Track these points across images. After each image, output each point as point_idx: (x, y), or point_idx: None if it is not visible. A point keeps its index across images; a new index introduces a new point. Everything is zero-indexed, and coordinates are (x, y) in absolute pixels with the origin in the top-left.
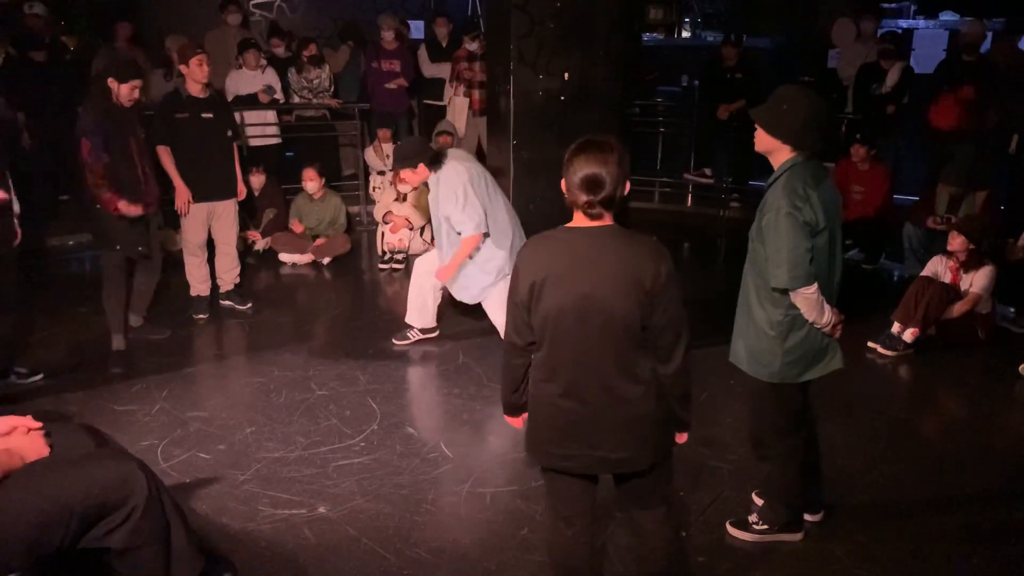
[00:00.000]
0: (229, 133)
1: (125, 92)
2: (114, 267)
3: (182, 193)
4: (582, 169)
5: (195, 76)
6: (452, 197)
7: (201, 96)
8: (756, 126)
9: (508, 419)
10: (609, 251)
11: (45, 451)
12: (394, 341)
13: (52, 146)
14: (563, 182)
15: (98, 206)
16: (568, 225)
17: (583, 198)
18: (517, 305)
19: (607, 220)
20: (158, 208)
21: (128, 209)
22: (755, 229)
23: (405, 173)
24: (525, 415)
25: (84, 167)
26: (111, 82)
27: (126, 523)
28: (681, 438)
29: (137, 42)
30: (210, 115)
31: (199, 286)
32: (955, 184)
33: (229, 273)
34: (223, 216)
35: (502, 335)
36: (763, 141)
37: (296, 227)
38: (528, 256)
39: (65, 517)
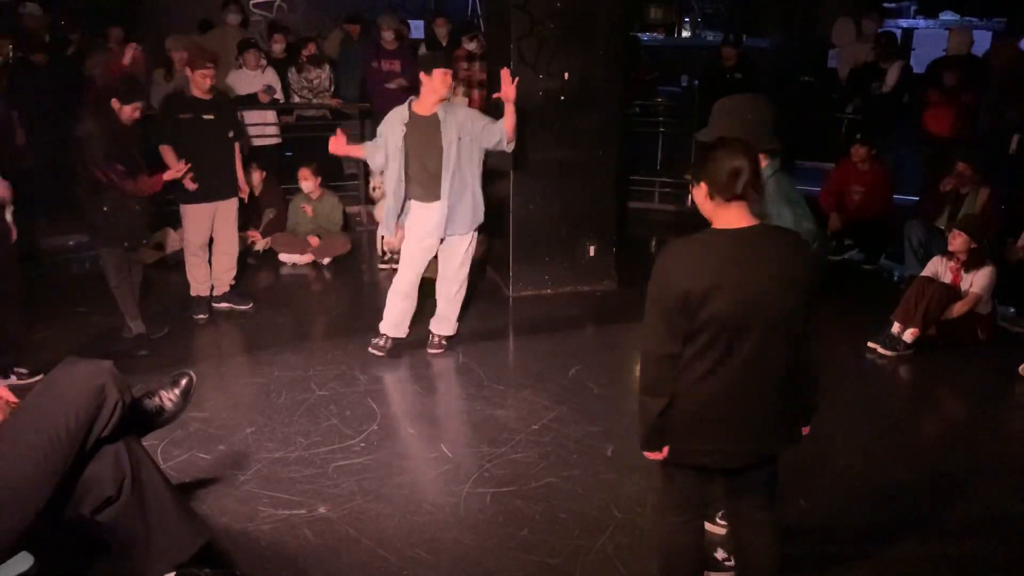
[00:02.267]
0: (231, 134)
1: (127, 112)
2: (116, 259)
3: (180, 170)
4: (728, 160)
5: (198, 84)
6: (478, 115)
7: (204, 98)
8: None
9: (650, 454)
10: (770, 253)
11: (11, 398)
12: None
13: (50, 146)
14: (701, 187)
15: (105, 208)
16: (719, 228)
17: (740, 183)
18: (671, 312)
19: (754, 217)
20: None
21: (170, 174)
22: None
23: (447, 74)
24: (666, 449)
25: (112, 185)
26: (114, 103)
27: (112, 418)
28: (805, 429)
29: (131, 41)
30: (212, 116)
31: (200, 286)
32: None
33: (227, 274)
34: (224, 216)
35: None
36: None
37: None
38: (682, 261)
39: (58, 443)
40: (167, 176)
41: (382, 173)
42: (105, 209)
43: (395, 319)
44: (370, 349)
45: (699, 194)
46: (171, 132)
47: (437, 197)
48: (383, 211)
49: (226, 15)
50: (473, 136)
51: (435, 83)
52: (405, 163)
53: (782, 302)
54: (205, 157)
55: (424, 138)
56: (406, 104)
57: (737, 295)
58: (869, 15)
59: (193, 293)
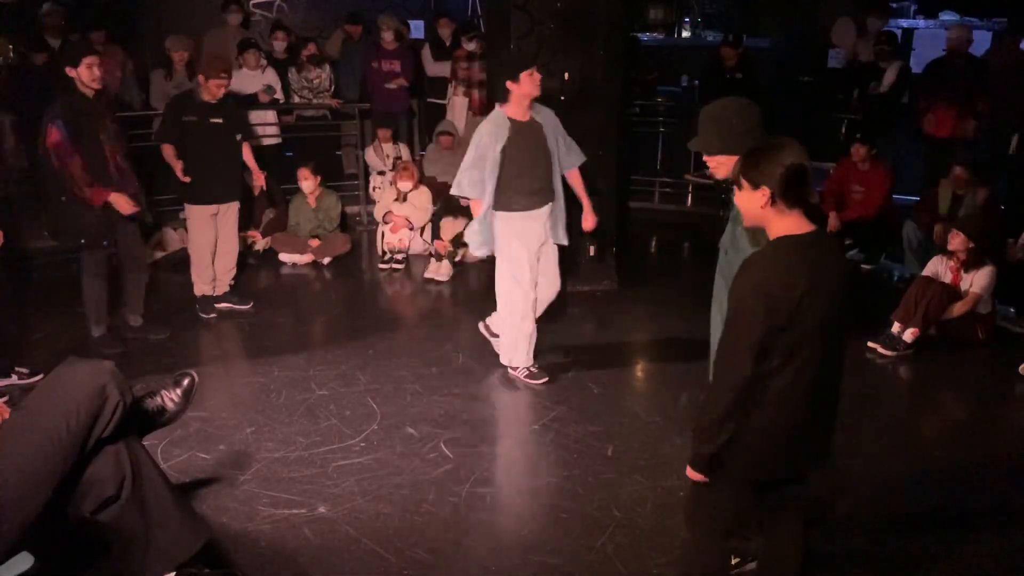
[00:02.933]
0: (239, 137)
1: (85, 73)
2: (96, 263)
3: (125, 208)
4: (791, 161)
5: (211, 92)
6: (562, 129)
7: (212, 101)
8: (709, 157)
9: (697, 474)
10: (833, 257)
11: (5, 412)
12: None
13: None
14: (762, 192)
15: (63, 198)
16: (792, 234)
17: (809, 188)
18: (765, 331)
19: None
20: (138, 202)
21: (118, 201)
22: (728, 239)
23: (533, 73)
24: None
25: (61, 167)
26: (68, 71)
27: (113, 418)
28: None
29: (112, 41)
30: (219, 120)
31: (205, 286)
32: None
33: (228, 274)
34: (227, 217)
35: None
36: (727, 168)
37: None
38: (775, 274)
39: (59, 443)
40: (114, 199)
41: (381, 173)
42: (63, 199)
43: (526, 348)
44: (531, 382)
45: (755, 199)
46: (175, 132)
47: (544, 203)
48: (379, 211)
49: (226, 15)
50: (561, 144)
51: (524, 87)
52: (502, 173)
53: (845, 305)
54: (211, 160)
55: (530, 144)
56: (499, 112)
57: (827, 300)
58: (872, 13)
59: (198, 293)
